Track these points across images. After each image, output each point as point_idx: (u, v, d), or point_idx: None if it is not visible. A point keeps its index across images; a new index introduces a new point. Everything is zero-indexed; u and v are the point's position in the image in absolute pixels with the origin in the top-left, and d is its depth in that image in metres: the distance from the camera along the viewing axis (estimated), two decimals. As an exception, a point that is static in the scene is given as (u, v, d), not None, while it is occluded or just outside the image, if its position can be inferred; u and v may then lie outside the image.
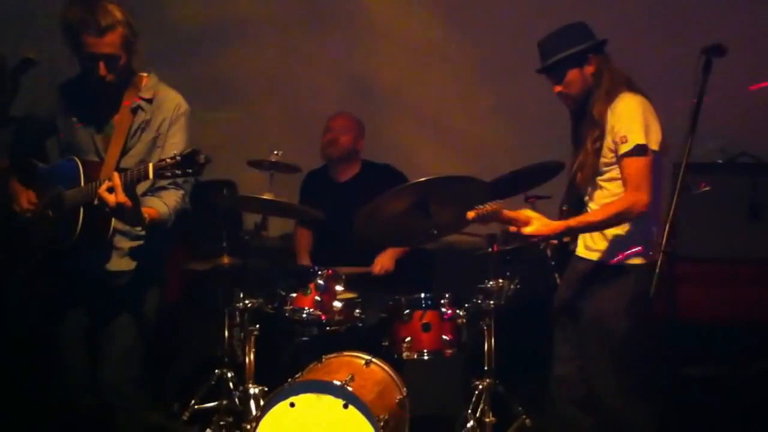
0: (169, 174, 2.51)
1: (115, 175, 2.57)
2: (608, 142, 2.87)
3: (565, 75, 2.93)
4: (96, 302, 2.88)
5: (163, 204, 2.80)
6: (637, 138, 2.78)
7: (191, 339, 4.46)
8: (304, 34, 5.10)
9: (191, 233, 4.40)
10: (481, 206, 2.82)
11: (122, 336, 2.88)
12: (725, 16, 4.46)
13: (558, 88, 2.97)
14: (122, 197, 2.55)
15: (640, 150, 2.77)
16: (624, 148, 2.80)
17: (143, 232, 2.85)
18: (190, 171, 2.49)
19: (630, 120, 2.80)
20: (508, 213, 2.86)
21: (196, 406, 3.77)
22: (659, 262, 2.39)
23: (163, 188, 2.82)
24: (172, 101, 2.87)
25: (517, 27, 4.64)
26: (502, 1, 4.90)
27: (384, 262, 4.00)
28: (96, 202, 2.60)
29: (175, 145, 2.78)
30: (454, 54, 4.99)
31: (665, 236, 2.42)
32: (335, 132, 4.15)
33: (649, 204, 2.78)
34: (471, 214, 2.83)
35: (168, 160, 2.51)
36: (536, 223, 2.83)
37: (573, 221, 2.90)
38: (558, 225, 2.88)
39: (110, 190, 2.55)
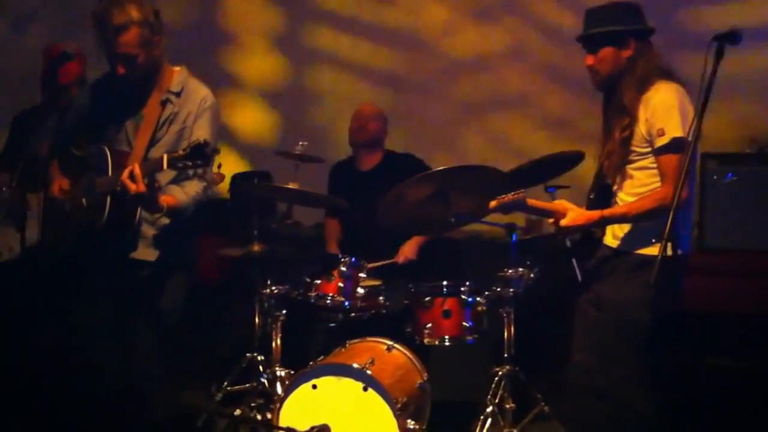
0: (180, 165, 2.63)
1: (136, 164, 2.70)
2: (641, 131, 2.82)
3: (600, 50, 2.89)
4: (123, 290, 2.98)
5: (183, 193, 2.89)
6: (674, 131, 2.72)
7: (229, 323, 4.61)
8: (334, 29, 5.25)
9: (228, 220, 4.59)
10: (503, 195, 2.81)
11: (150, 324, 2.99)
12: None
13: (590, 60, 2.93)
14: (142, 186, 2.67)
15: (677, 144, 2.71)
16: (661, 142, 2.75)
17: (167, 221, 2.94)
18: (200, 162, 2.61)
19: (667, 111, 2.75)
20: (535, 202, 2.86)
21: (228, 388, 3.91)
22: (660, 249, 2.38)
23: (187, 178, 2.91)
24: (199, 95, 2.94)
25: (547, 19, 4.68)
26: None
27: (407, 252, 4.09)
28: (119, 188, 2.72)
29: (200, 137, 2.79)
30: (485, 45, 5.06)
31: (668, 224, 2.39)
32: (364, 120, 4.29)
33: (686, 199, 2.74)
34: (493, 203, 2.83)
35: (180, 152, 2.62)
36: (572, 214, 2.82)
37: (608, 212, 2.86)
38: (593, 215, 2.85)
39: (132, 178, 2.67)
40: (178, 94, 2.94)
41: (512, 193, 2.81)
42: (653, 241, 2.80)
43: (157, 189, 2.82)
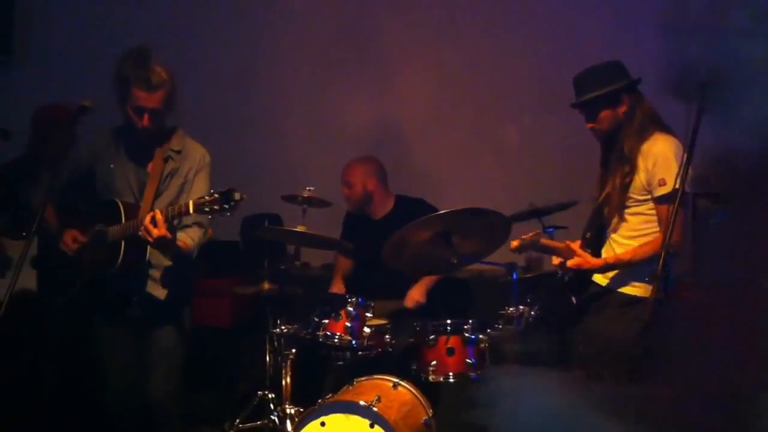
0: (207, 209, 2.83)
1: (158, 211, 2.92)
2: (641, 180, 2.97)
3: (598, 114, 3.04)
4: (138, 321, 3.21)
5: (189, 238, 3.16)
6: (675, 183, 2.82)
7: (242, 361, 4.71)
8: (338, 73, 5.36)
9: (239, 261, 4.73)
10: (523, 237, 3.00)
11: (164, 354, 3.21)
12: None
13: (590, 125, 3.09)
14: (164, 230, 2.89)
15: (677, 195, 2.79)
16: (663, 191, 2.91)
17: (170, 263, 3.18)
18: (227, 206, 2.80)
19: (667, 163, 2.90)
20: (547, 242, 3.05)
21: (241, 425, 3.99)
22: (653, 290, 2.50)
23: (188, 226, 3.18)
24: (198, 152, 3.25)
25: (540, 68, 4.86)
26: (525, 44, 5.09)
27: (415, 295, 4.16)
28: (140, 233, 2.92)
29: (199, 190, 3.13)
30: (482, 94, 5.19)
31: (660, 264, 2.50)
32: (345, 186, 4.34)
33: (682, 245, 2.88)
34: (515, 243, 3.02)
35: (207, 198, 2.83)
36: (578, 259, 3.02)
37: (611, 258, 3.05)
38: (597, 262, 3.05)
39: (154, 223, 2.88)
40: (178, 152, 3.21)
41: (530, 234, 3.00)
42: (646, 280, 2.95)
43: (175, 233, 3.05)
